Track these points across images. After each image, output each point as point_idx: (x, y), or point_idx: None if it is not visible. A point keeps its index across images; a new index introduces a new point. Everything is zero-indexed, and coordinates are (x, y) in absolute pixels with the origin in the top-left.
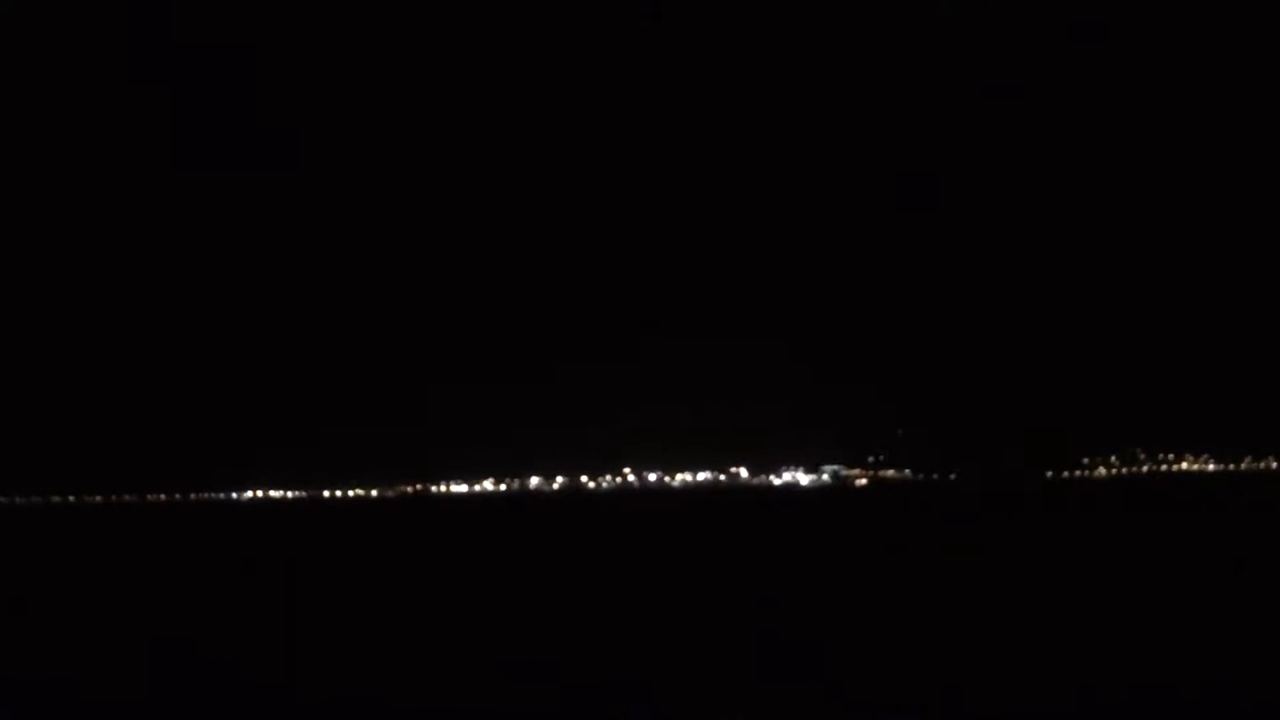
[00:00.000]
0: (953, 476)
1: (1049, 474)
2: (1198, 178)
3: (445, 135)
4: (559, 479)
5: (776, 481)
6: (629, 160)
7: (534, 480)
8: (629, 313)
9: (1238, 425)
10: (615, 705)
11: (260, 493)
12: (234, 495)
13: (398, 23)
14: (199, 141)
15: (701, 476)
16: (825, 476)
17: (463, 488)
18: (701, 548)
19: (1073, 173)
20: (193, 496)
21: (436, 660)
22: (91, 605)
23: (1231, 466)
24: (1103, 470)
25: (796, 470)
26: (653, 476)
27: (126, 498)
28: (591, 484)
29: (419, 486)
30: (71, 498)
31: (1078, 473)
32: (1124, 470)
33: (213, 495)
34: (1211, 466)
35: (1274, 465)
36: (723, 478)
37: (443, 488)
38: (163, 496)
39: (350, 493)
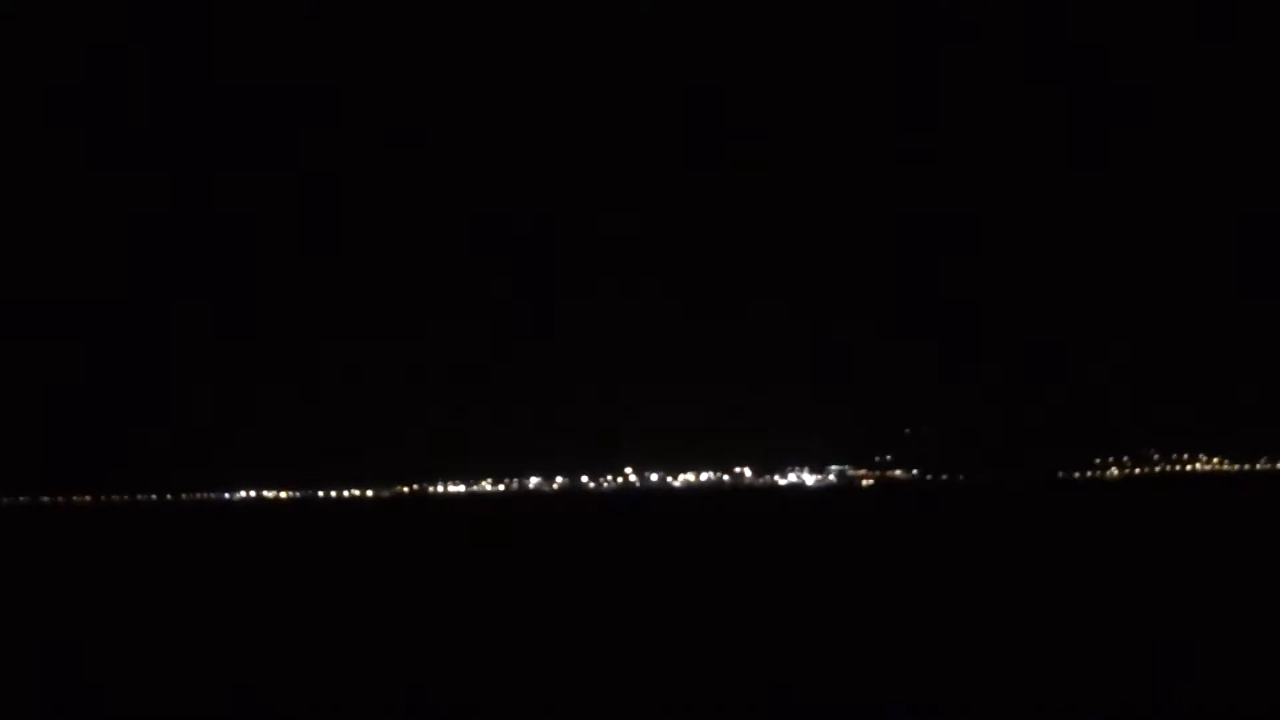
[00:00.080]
0: (961, 477)
1: (1060, 474)
2: (1221, 174)
3: (446, 131)
4: (559, 479)
5: (781, 482)
6: (630, 156)
7: (533, 480)
8: (631, 310)
9: (1253, 424)
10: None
11: (253, 493)
12: (226, 495)
13: None
14: (190, 138)
15: (705, 477)
16: (831, 477)
17: (461, 488)
18: (706, 550)
19: (1089, 167)
20: (184, 496)
21: (434, 667)
22: (81, 608)
23: (1246, 466)
24: (1115, 470)
25: (802, 470)
26: (655, 477)
27: (116, 498)
28: (592, 484)
29: (416, 487)
30: (60, 498)
31: (1089, 473)
32: (1137, 470)
33: (204, 495)
34: (1226, 466)
35: None
36: (726, 478)
37: (440, 488)
38: (153, 496)
39: (345, 493)
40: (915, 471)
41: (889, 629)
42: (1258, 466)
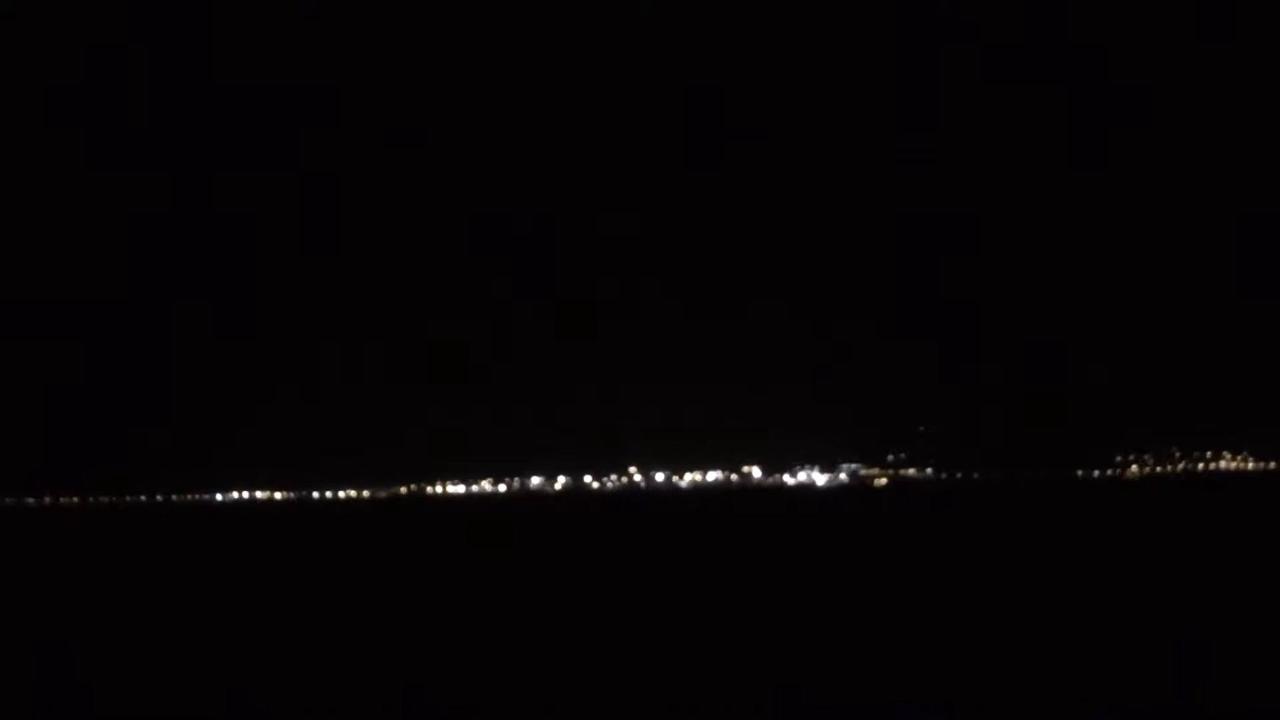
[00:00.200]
0: (976, 476)
1: (1079, 473)
2: (1239, 171)
3: (446, 127)
4: (561, 479)
5: (791, 481)
6: (630, 156)
7: (535, 480)
8: (634, 304)
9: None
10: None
11: (244, 494)
12: (217, 497)
13: None
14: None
15: (712, 476)
16: (843, 476)
17: (460, 489)
18: (713, 554)
19: (1089, 167)
20: (174, 498)
21: (431, 673)
22: (70, 612)
23: (1273, 465)
24: (1136, 469)
25: (812, 470)
26: (660, 476)
27: (104, 499)
28: (595, 484)
29: (414, 487)
30: (47, 500)
31: (1109, 472)
32: (1158, 469)
33: (194, 497)
34: (1251, 465)
35: None
36: (734, 477)
37: (439, 489)
38: (142, 498)
39: (341, 494)
40: (930, 471)
41: (904, 638)
42: None
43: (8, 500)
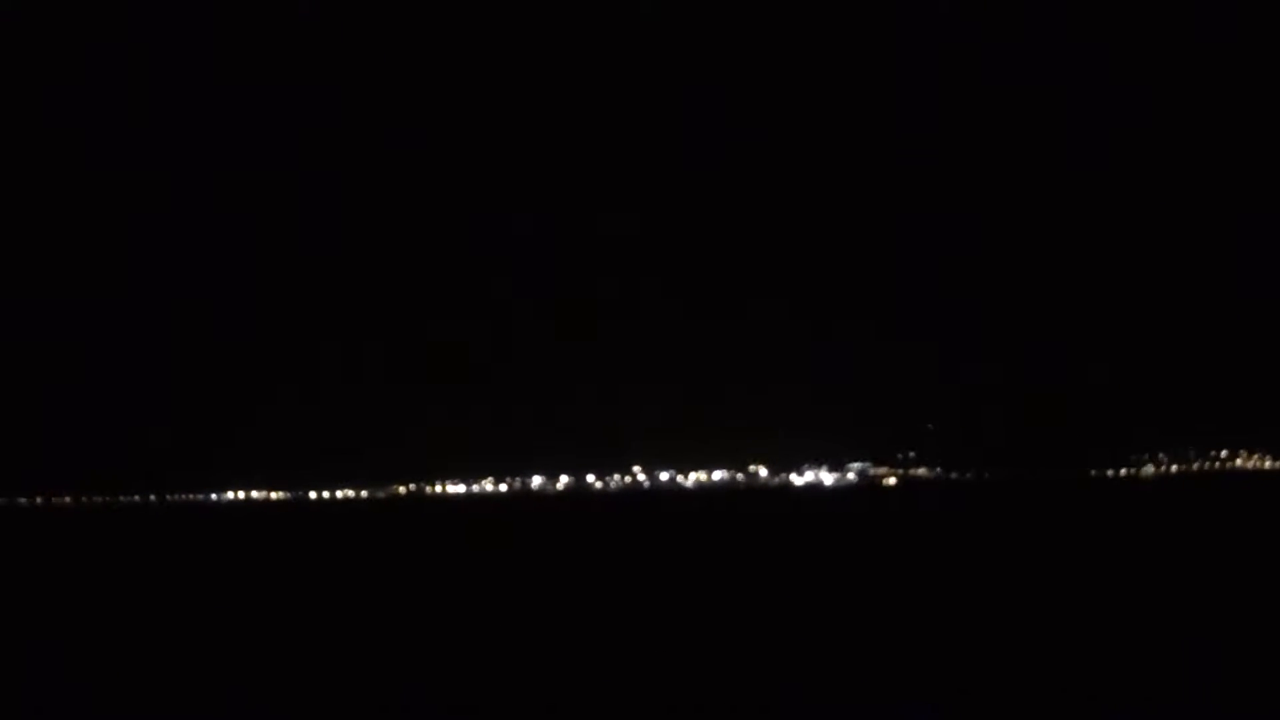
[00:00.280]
0: (988, 475)
1: (1093, 473)
2: (1250, 163)
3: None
4: (563, 479)
5: (798, 481)
6: (630, 156)
7: (536, 480)
8: (638, 301)
9: None
10: None
11: (240, 494)
12: (212, 497)
13: None
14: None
15: (717, 475)
16: (851, 475)
17: (460, 489)
18: (719, 556)
19: (1089, 167)
20: (168, 498)
21: (431, 674)
22: (65, 613)
23: None
24: (1151, 469)
25: (820, 469)
26: (664, 476)
27: (97, 499)
28: (598, 484)
29: (413, 487)
30: (38, 500)
31: (1124, 471)
32: (1174, 469)
33: (188, 497)
34: (1269, 464)
35: None
36: (740, 477)
37: (438, 488)
38: (135, 498)
39: (341, 494)
40: (940, 470)
41: (923, 647)
42: None
43: (0, 501)
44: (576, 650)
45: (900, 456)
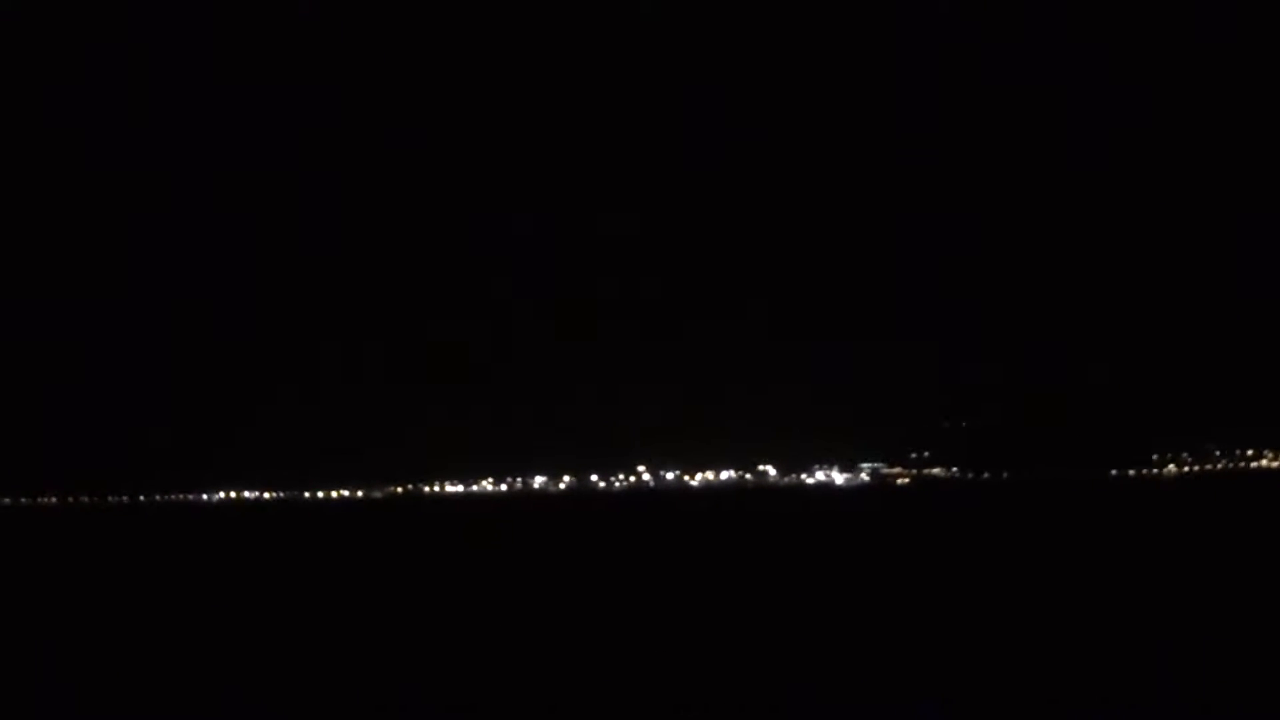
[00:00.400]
0: (1004, 475)
1: (1113, 472)
2: (1261, 160)
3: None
4: (565, 478)
5: (809, 481)
6: (630, 156)
7: (538, 480)
8: (643, 296)
9: None
10: None
11: (232, 494)
12: (204, 497)
13: None
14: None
15: (725, 476)
16: (863, 475)
17: (459, 488)
18: (725, 558)
19: (1089, 167)
20: (158, 498)
21: (426, 680)
22: (62, 613)
23: None
24: (1173, 468)
25: (831, 469)
26: (670, 475)
27: (85, 499)
28: (602, 484)
29: (410, 487)
30: (25, 500)
31: (1145, 471)
32: (1197, 468)
33: (180, 497)
34: None
35: None
36: (748, 477)
37: (436, 488)
38: (125, 498)
39: (333, 494)
40: (955, 469)
41: (934, 646)
42: None
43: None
44: (577, 650)
45: (913, 456)
